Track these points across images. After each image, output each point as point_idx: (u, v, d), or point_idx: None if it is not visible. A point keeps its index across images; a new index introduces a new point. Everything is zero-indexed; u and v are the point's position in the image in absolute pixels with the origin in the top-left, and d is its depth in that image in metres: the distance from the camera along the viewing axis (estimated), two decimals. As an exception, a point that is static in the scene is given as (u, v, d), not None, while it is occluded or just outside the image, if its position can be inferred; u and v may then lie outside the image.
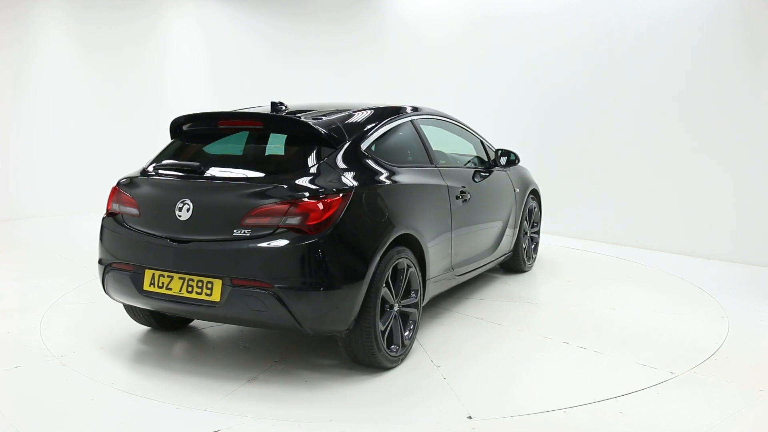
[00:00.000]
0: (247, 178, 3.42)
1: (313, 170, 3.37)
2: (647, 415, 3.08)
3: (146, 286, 3.44)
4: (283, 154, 3.72)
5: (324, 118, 3.75)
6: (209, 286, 3.26)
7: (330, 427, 2.95)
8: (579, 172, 7.41)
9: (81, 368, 3.59)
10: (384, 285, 3.43)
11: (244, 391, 3.31)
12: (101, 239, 3.77)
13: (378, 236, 3.41)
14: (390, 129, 4.06)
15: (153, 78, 9.59)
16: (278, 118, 3.75)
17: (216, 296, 3.24)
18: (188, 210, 3.36)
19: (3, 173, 8.35)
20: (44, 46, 8.64)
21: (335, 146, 3.52)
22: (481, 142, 5.18)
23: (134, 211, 3.61)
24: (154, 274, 3.42)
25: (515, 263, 5.60)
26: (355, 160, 3.56)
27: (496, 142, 5.44)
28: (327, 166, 3.41)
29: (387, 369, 3.55)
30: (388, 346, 3.52)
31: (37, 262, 6.14)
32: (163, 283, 3.39)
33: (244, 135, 3.88)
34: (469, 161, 5.11)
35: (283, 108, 3.93)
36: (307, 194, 3.22)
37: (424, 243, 3.80)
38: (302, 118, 3.64)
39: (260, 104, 4.35)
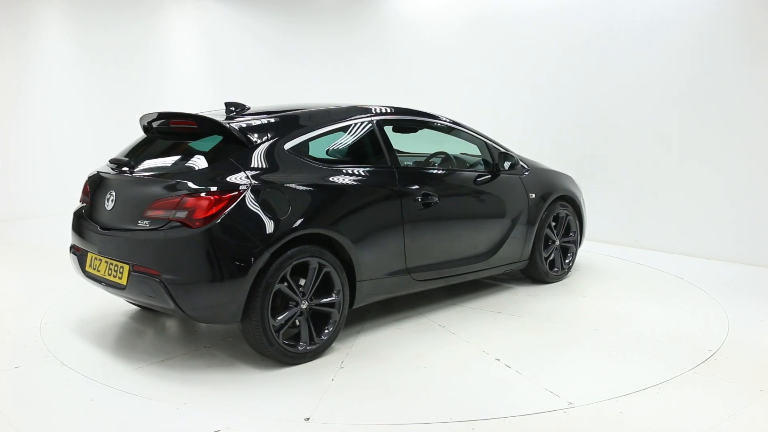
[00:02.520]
0: (157, 174, 3.69)
1: (217, 168, 3.54)
2: (647, 415, 3.08)
3: (87, 267, 3.91)
4: (201, 152, 3.79)
5: (252, 118, 3.87)
6: (120, 270, 3.61)
7: (181, 410, 3.04)
8: (578, 172, 7.39)
9: (81, 368, 3.60)
10: (281, 282, 3.53)
11: (147, 369, 3.60)
12: (71, 225, 4.19)
13: (269, 234, 3.47)
14: (334, 130, 4.11)
15: (153, 79, 9.59)
16: (203, 119, 3.83)
17: (123, 280, 3.59)
18: (112, 201, 3.78)
19: (3, 173, 8.36)
20: (44, 47, 8.64)
21: (251, 146, 3.65)
22: (486, 144, 4.94)
23: (87, 200, 4.08)
24: (91, 257, 3.87)
25: (535, 273, 5.28)
26: (269, 159, 3.67)
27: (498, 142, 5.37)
28: (233, 164, 3.56)
29: (291, 364, 3.63)
30: (295, 343, 3.64)
31: (37, 262, 6.14)
32: (96, 265, 3.82)
33: (193, 134, 3.97)
34: (473, 164, 4.97)
35: (245, 108, 4.14)
36: (196, 191, 3.42)
37: (347, 244, 3.81)
38: (217, 119, 3.77)
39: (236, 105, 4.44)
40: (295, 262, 3.58)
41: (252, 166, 3.58)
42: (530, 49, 7.80)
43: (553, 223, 5.34)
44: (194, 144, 3.86)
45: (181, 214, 3.39)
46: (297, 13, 10.30)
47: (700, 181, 6.46)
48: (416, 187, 4.26)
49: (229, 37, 10.24)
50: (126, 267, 3.56)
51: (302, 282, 3.65)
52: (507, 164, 4.93)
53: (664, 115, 6.68)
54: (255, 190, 3.50)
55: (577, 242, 5.63)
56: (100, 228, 3.79)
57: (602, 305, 4.84)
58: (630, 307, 4.78)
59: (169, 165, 3.77)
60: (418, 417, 3.06)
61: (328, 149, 4.22)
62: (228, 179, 3.48)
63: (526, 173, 5.14)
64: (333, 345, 3.90)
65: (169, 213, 3.42)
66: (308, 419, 3.05)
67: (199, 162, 3.63)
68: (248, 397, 3.27)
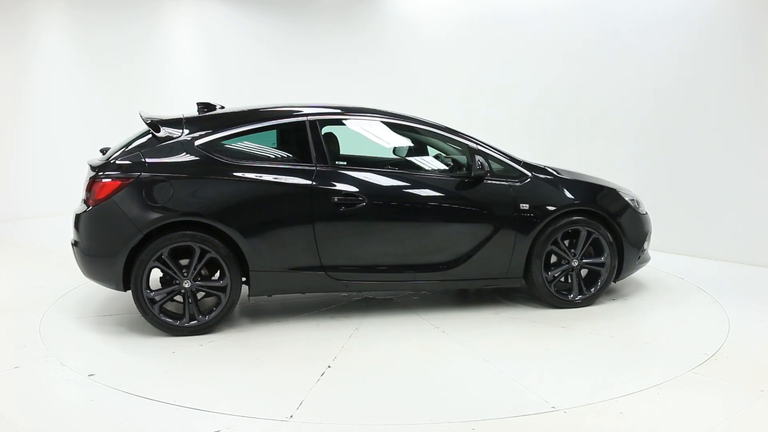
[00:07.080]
0: (97, 162, 4.21)
1: (127, 158, 4.10)
2: (647, 415, 3.09)
3: None
4: (134, 144, 4.23)
5: (181, 117, 4.33)
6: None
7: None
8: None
9: (81, 368, 3.60)
10: (158, 261, 4.04)
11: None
12: None
13: (144, 218, 3.98)
14: (255, 129, 4.37)
15: (153, 79, 9.58)
16: (142, 118, 4.27)
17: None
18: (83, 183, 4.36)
19: (3, 173, 8.35)
20: (44, 47, 8.64)
21: (161, 140, 4.16)
22: (469, 149, 4.56)
23: None
24: None
25: (536, 294, 4.68)
26: (173, 152, 4.13)
27: (496, 143, 5.30)
28: (139, 155, 4.10)
29: (172, 335, 4.09)
30: (177, 318, 4.12)
31: (37, 262, 6.14)
32: None
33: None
34: (458, 168, 4.60)
35: (214, 107, 4.64)
36: (98, 176, 4.05)
37: (234, 234, 4.09)
38: (142, 115, 4.24)
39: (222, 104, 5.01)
40: (174, 245, 4.04)
41: (153, 158, 4.09)
42: (531, 49, 7.79)
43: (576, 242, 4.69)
44: (138, 138, 4.29)
45: (89, 195, 4.08)
46: (297, 13, 10.29)
47: (700, 180, 6.45)
48: (338, 187, 4.25)
49: (229, 37, 10.23)
50: None
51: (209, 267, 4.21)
52: (478, 169, 4.42)
53: (664, 114, 6.67)
54: (143, 179, 4.01)
55: (610, 268, 4.72)
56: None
57: (595, 310, 4.84)
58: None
59: (113, 154, 4.23)
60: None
61: (246, 147, 4.42)
62: (125, 168, 4.05)
63: (523, 180, 4.59)
64: (225, 329, 4.22)
65: (87, 194, 4.10)
66: (92, 375, 3.48)
67: (124, 153, 4.15)
68: (56, 346, 3.89)
